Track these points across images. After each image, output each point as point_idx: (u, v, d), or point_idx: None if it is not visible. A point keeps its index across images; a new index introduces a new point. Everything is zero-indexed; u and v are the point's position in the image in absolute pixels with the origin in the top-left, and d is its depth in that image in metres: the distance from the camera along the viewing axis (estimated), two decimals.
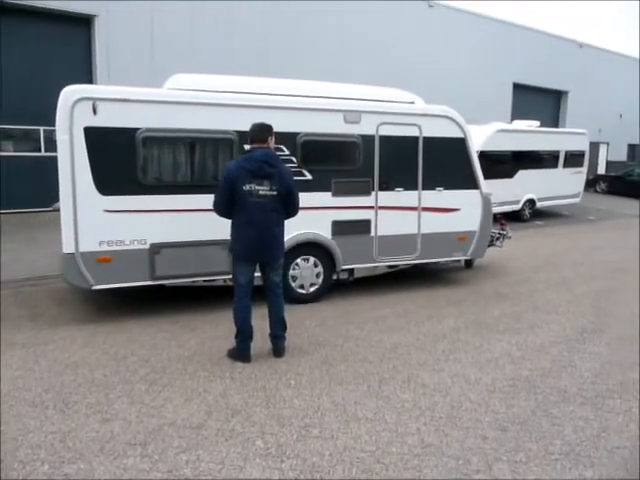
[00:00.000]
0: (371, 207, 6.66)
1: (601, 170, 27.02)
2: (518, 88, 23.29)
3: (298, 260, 6.38)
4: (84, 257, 5.39)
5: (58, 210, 6.23)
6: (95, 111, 5.24)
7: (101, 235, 5.45)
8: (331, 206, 6.42)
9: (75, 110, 5.19)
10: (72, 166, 5.25)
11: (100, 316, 5.92)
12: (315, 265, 6.50)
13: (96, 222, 5.40)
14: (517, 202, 14.47)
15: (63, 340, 5.13)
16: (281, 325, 4.74)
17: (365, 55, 17.55)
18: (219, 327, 5.48)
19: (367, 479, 3.00)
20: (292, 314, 5.72)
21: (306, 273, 6.44)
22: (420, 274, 7.77)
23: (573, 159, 16.25)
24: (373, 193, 6.64)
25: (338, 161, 6.53)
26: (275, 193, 4.39)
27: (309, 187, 6.18)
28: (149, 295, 6.83)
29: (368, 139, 6.53)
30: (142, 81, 13.01)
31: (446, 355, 4.87)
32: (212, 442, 3.35)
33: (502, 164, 13.69)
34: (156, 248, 5.63)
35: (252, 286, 4.62)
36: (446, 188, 7.07)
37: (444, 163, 6.98)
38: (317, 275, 6.53)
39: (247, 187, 4.31)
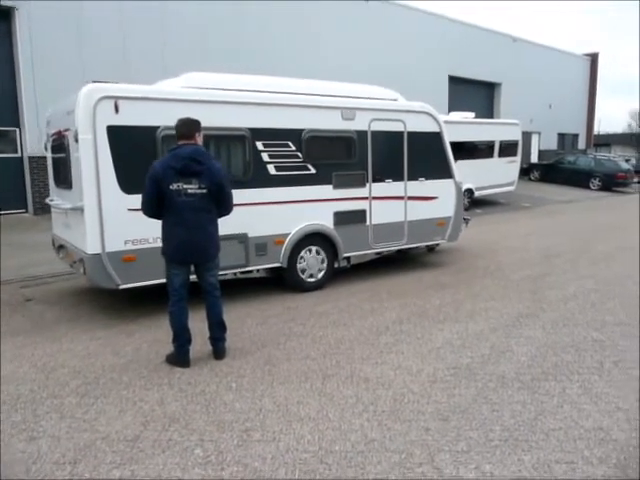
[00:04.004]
0: (366, 198, 7.17)
1: (534, 159, 28.08)
2: (453, 80, 23.81)
3: (304, 251, 6.75)
4: (110, 257, 5.39)
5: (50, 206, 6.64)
6: (117, 110, 5.27)
7: (126, 234, 5.45)
8: (332, 198, 6.88)
9: (97, 109, 5.22)
10: (96, 166, 5.25)
11: (30, 326, 5.60)
12: (319, 254, 6.90)
13: (121, 221, 5.39)
14: None
15: None
16: (220, 327, 4.60)
17: (302, 51, 17.46)
18: (157, 331, 5.29)
19: None
20: (233, 313, 5.61)
21: (312, 262, 6.84)
22: (364, 267, 7.77)
23: (507, 149, 16.79)
24: (367, 185, 7.15)
25: (337, 155, 7.01)
26: (205, 191, 4.22)
27: (313, 180, 6.69)
28: (83, 299, 6.55)
29: (362, 134, 7.04)
30: (70, 77, 12.51)
31: (389, 348, 4.87)
32: (148, 454, 3.19)
33: None
34: None
35: (187, 288, 4.46)
36: (427, 178, 7.75)
37: (424, 155, 7.66)
38: (322, 264, 6.95)
39: (174, 186, 4.14)
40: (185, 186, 4.16)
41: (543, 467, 3.01)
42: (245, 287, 6.84)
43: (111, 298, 6.52)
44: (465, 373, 4.30)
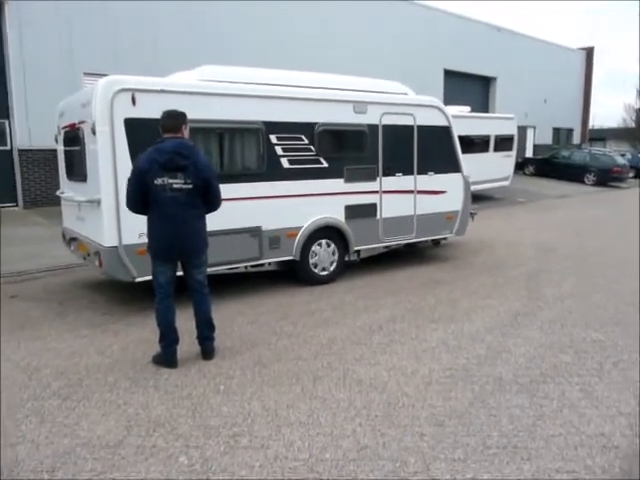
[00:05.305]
0: (376, 192, 7.19)
1: (529, 153, 27.95)
2: (449, 74, 23.60)
3: (316, 244, 6.75)
4: (127, 250, 5.37)
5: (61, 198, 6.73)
6: (134, 102, 5.26)
7: (141, 227, 5.24)
8: (344, 191, 6.89)
9: (115, 101, 5.21)
10: (113, 158, 5.24)
11: (14, 323, 5.42)
12: (331, 248, 6.92)
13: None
14: None
15: None
16: (208, 326, 4.44)
17: (298, 44, 17.24)
18: (145, 330, 5.12)
19: None
20: (224, 311, 5.46)
21: (324, 256, 6.85)
22: (360, 262, 7.62)
23: (503, 143, 16.64)
24: (378, 179, 7.17)
25: (349, 149, 7.04)
26: (191, 186, 4.06)
27: (325, 174, 6.70)
28: (69, 295, 6.39)
29: (373, 128, 7.05)
30: (59, 68, 12.28)
31: (382, 348, 4.73)
32: (130, 462, 3.04)
33: None
34: None
35: (174, 286, 4.30)
36: (436, 172, 7.78)
37: (433, 149, 7.68)
38: (333, 257, 6.97)
39: (159, 181, 3.98)
40: (170, 181, 4.00)
41: (543, 476, 2.88)
42: (236, 284, 6.69)
43: (98, 295, 6.37)
44: (461, 375, 4.17)
